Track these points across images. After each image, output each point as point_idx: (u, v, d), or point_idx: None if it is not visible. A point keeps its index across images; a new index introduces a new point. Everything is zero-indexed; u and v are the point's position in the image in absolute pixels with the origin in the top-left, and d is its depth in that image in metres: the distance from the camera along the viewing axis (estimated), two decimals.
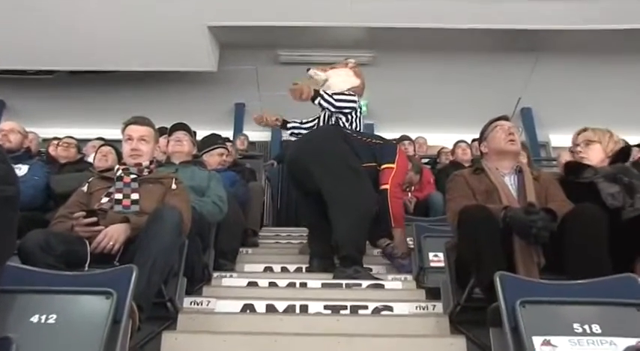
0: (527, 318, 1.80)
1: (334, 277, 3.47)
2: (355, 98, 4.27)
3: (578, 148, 3.01)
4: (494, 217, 2.34)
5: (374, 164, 3.86)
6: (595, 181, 2.72)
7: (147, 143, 2.97)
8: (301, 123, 4.58)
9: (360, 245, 3.56)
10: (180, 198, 2.83)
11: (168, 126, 4.16)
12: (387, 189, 3.77)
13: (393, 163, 3.87)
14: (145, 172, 2.92)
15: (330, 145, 3.77)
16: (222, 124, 8.35)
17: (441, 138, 7.71)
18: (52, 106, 8.43)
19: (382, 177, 3.82)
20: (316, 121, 4.52)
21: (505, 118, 2.96)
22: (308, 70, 4.61)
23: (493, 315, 1.96)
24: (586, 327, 1.79)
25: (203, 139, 4.72)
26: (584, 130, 3.08)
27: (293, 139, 4.66)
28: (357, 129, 4.18)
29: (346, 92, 4.27)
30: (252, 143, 8.58)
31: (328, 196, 3.63)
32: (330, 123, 4.26)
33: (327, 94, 4.16)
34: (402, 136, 6.40)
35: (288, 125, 4.61)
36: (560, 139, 9.08)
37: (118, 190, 2.76)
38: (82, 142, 5.47)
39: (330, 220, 3.57)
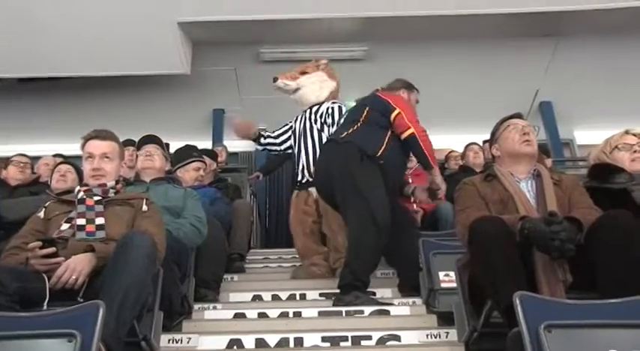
0: (553, 344, 1.78)
1: (333, 306, 3.49)
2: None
3: (637, 148, 3.01)
4: (511, 229, 2.34)
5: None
6: (629, 188, 2.72)
7: (110, 161, 2.96)
8: (274, 136, 4.87)
9: (359, 273, 3.58)
10: (153, 221, 2.82)
11: (137, 139, 4.16)
12: (412, 132, 3.83)
13: (394, 108, 3.91)
14: (111, 193, 2.91)
15: (333, 171, 3.83)
16: (198, 133, 8.37)
17: (448, 140, 7.71)
18: None
19: (398, 126, 3.88)
20: (289, 132, 4.77)
21: (518, 115, 2.97)
22: (275, 80, 4.80)
23: (514, 342, 1.96)
24: None
25: (176, 151, 4.73)
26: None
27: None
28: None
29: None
30: (233, 154, 8.58)
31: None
32: (312, 131, 4.56)
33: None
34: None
35: (262, 140, 4.86)
36: (586, 136, 9.12)
37: (81, 215, 2.74)
38: (35, 160, 5.43)
39: None
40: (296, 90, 4.80)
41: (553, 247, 2.21)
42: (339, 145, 3.85)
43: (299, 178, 4.64)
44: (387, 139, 3.85)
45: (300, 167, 4.62)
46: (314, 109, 4.71)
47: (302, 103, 4.82)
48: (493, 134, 2.95)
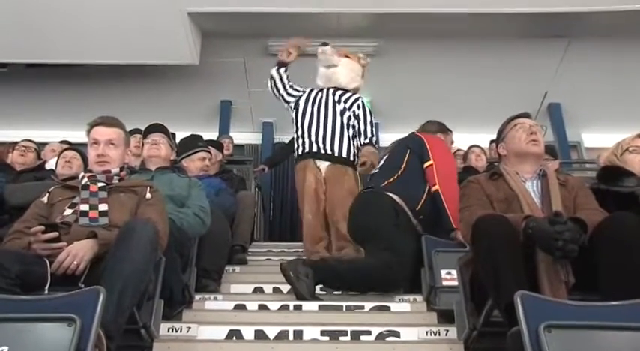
0: (553, 345, 1.78)
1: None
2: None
3: None
4: (514, 228, 2.33)
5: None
6: (638, 192, 2.71)
7: (116, 148, 2.97)
8: (290, 85, 5.01)
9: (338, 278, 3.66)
10: (156, 209, 2.83)
11: (143, 127, 4.17)
12: (437, 190, 3.83)
13: (429, 158, 3.94)
14: (115, 180, 2.92)
15: (369, 225, 3.82)
16: (205, 124, 8.36)
17: (455, 139, 7.70)
18: (5, 104, 8.33)
19: (428, 178, 3.91)
20: (301, 94, 4.91)
21: (526, 115, 2.96)
22: (326, 44, 4.90)
23: (513, 341, 1.96)
24: None
25: (181, 141, 4.73)
26: None
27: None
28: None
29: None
30: (239, 147, 8.58)
31: None
32: (335, 110, 4.68)
33: None
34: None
35: (281, 71, 5.07)
36: (593, 139, 9.08)
37: (84, 201, 2.75)
38: (41, 146, 5.45)
39: None
40: (334, 66, 4.88)
41: (556, 247, 2.19)
42: (377, 198, 3.85)
43: (313, 149, 4.67)
44: (426, 192, 3.87)
45: (313, 137, 4.66)
46: (339, 92, 4.83)
47: (330, 80, 4.91)
48: (500, 133, 2.95)
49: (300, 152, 4.76)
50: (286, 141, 6.55)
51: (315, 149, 4.64)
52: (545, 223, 2.26)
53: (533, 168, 2.80)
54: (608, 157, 3.15)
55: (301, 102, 4.86)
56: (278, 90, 5.01)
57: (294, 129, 4.87)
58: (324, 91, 4.85)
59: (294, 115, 4.89)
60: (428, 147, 3.97)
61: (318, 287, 3.65)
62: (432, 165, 3.90)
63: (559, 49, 7.83)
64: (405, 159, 3.99)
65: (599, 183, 2.92)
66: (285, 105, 4.98)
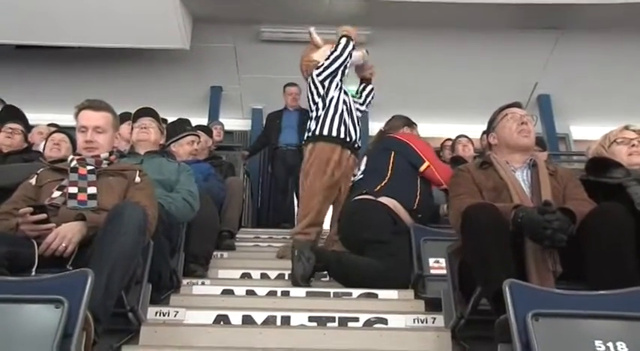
0: (540, 333, 1.79)
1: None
2: None
3: (635, 142, 3.01)
4: (504, 217, 2.33)
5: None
6: (625, 184, 2.72)
7: (104, 133, 2.94)
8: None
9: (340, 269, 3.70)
10: (145, 193, 2.82)
11: (133, 112, 4.13)
12: (445, 188, 3.87)
13: (423, 160, 4.00)
14: (104, 164, 2.90)
15: (366, 236, 3.81)
16: (195, 110, 8.30)
17: (444, 129, 7.71)
18: None
19: (430, 180, 4.02)
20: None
21: (517, 104, 2.96)
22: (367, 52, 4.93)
23: (501, 329, 1.96)
24: (610, 345, 1.77)
25: (169, 125, 4.69)
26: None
27: None
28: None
29: None
30: (228, 133, 8.55)
31: None
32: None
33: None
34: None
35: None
36: (581, 131, 9.13)
37: (73, 183, 2.74)
38: (29, 129, 5.38)
39: None
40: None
41: (545, 236, 2.20)
42: (372, 208, 3.84)
43: (348, 139, 4.51)
44: (419, 189, 3.95)
45: (345, 125, 4.49)
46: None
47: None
48: (491, 122, 2.94)
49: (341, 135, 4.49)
50: None
51: (343, 136, 4.46)
52: (534, 213, 2.26)
53: (523, 158, 2.80)
54: (596, 149, 3.16)
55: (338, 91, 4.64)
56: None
57: (334, 110, 4.53)
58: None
59: (337, 93, 4.57)
60: (419, 151, 4.03)
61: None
62: (429, 166, 3.97)
63: (550, 41, 7.86)
64: (390, 160, 4.01)
65: (587, 174, 2.92)
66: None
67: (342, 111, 4.48)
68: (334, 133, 4.39)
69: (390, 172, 3.96)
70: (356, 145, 4.50)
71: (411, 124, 4.42)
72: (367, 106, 4.93)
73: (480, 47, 7.81)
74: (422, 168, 3.98)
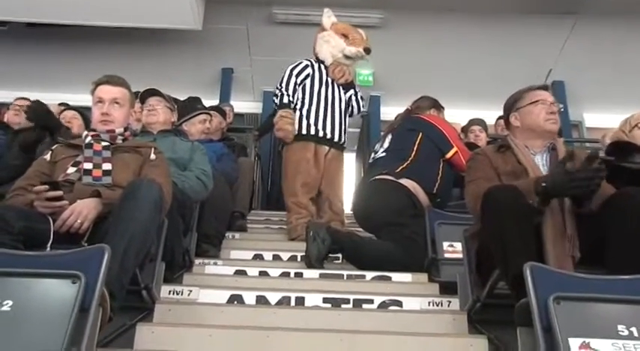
0: (562, 317, 1.76)
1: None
2: None
3: None
4: (525, 199, 2.29)
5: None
6: None
7: (120, 107, 2.91)
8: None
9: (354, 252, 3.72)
10: (160, 170, 2.80)
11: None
12: None
13: (452, 146, 3.97)
14: (119, 140, 2.88)
15: (388, 218, 3.79)
16: (206, 91, 8.23)
17: (457, 114, 7.64)
18: (4, 64, 8.20)
19: (456, 165, 3.96)
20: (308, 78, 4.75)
21: (545, 88, 2.89)
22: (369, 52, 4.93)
23: (522, 312, 1.94)
24: (633, 329, 1.73)
25: (179, 104, 4.65)
26: None
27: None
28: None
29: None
30: (239, 116, 8.53)
31: None
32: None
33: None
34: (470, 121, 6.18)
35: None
36: (595, 119, 9.07)
37: (88, 159, 2.72)
38: None
39: None
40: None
41: (581, 186, 2.23)
42: (393, 190, 3.83)
43: (319, 134, 4.67)
44: (440, 173, 3.92)
45: (313, 119, 4.67)
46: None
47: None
48: (514, 102, 2.83)
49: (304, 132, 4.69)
50: None
51: (321, 134, 4.65)
52: (559, 165, 2.28)
53: (544, 142, 2.74)
54: (616, 134, 3.12)
55: (308, 82, 4.81)
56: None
57: (300, 105, 4.76)
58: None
59: (301, 91, 4.79)
60: (447, 135, 4.00)
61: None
62: (457, 152, 3.94)
63: (566, 27, 7.73)
64: (417, 141, 3.97)
65: (608, 158, 2.87)
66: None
67: (321, 106, 4.68)
68: (305, 131, 4.65)
69: (414, 153, 3.93)
70: (335, 140, 4.64)
71: (438, 107, 4.38)
72: (359, 111, 5.02)
73: (494, 32, 7.72)
74: (450, 153, 3.94)
